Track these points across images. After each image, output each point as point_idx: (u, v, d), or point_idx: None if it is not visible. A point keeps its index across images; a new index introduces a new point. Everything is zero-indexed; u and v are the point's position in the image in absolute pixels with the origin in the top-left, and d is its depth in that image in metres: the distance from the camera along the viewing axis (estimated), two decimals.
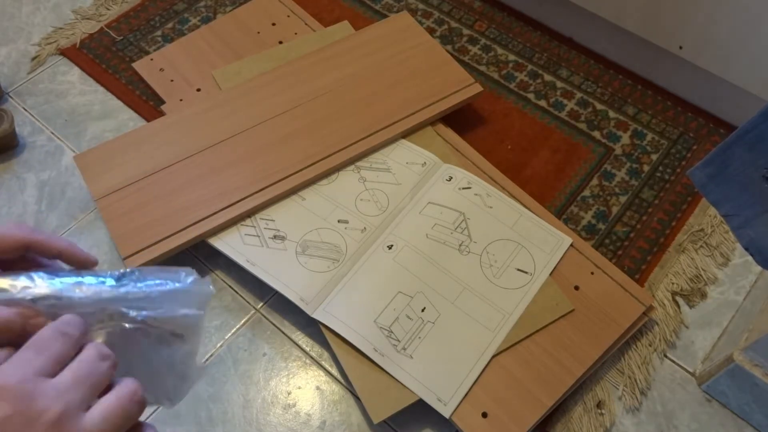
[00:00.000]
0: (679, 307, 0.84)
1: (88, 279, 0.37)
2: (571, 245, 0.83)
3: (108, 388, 0.34)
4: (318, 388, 0.78)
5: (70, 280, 0.37)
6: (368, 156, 0.90)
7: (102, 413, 0.33)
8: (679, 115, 1.01)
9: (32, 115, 1.00)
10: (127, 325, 0.36)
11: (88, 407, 0.33)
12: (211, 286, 0.39)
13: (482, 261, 0.81)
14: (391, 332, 0.76)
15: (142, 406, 0.34)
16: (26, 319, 0.35)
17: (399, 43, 0.99)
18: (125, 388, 0.34)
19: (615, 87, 1.04)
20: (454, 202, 0.86)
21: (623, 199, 0.92)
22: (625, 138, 0.98)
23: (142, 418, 0.35)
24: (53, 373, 0.33)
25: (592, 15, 1.01)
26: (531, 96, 1.02)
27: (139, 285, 0.37)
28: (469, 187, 0.87)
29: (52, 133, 0.98)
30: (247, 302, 0.83)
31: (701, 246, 0.88)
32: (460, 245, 0.82)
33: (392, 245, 0.82)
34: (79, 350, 0.35)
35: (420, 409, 0.72)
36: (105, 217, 0.82)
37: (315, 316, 0.77)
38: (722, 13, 0.86)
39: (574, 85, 1.04)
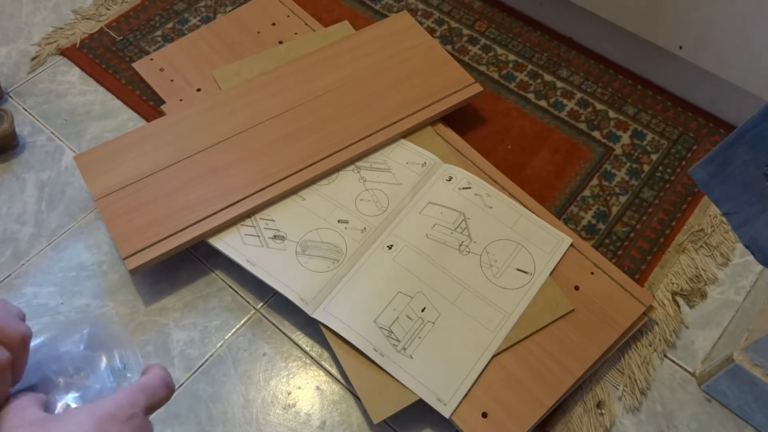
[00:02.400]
0: (679, 307, 0.84)
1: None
2: (571, 245, 0.83)
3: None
4: (318, 388, 0.78)
5: None
6: (368, 156, 0.90)
7: None
8: (679, 115, 1.01)
9: (32, 115, 1.00)
10: None
11: None
12: None
13: (482, 261, 0.81)
14: (391, 332, 0.75)
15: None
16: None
17: (399, 43, 0.99)
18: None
19: (615, 87, 1.04)
20: (454, 202, 0.86)
21: (623, 199, 0.92)
22: (625, 138, 0.98)
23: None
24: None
25: (592, 15, 1.01)
26: (531, 96, 1.02)
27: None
28: (469, 187, 0.87)
29: (52, 133, 0.98)
30: (247, 302, 0.83)
31: (701, 246, 0.88)
32: (460, 245, 0.82)
33: (392, 245, 0.82)
34: None
35: (420, 409, 0.72)
36: (105, 217, 0.82)
37: (315, 316, 0.77)
38: (722, 13, 0.86)
39: (574, 85, 1.04)
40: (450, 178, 0.88)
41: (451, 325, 0.76)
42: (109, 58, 1.06)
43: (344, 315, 0.76)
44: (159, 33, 1.09)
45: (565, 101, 1.02)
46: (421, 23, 1.10)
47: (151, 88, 1.01)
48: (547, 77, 1.05)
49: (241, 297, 0.84)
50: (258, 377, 0.78)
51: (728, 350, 0.73)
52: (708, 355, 0.80)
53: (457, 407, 0.72)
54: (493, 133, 0.98)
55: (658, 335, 0.81)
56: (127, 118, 1.00)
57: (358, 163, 0.89)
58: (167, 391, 0.42)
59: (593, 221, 0.90)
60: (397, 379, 0.73)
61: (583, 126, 0.99)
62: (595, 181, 0.94)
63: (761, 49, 0.86)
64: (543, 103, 1.02)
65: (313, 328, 0.80)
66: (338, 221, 0.84)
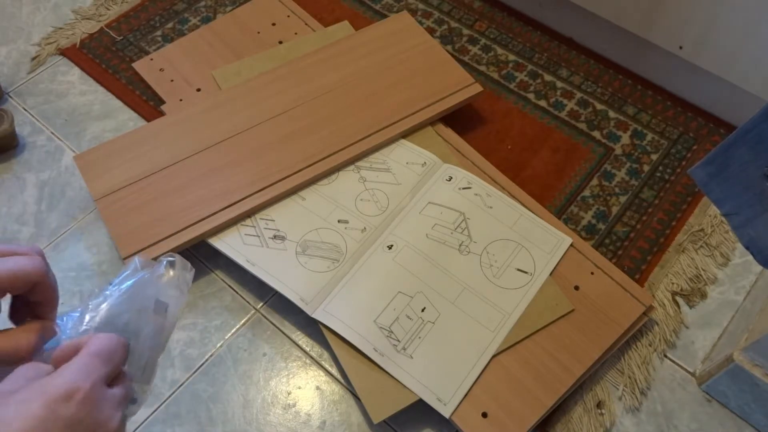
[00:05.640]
0: (679, 307, 0.84)
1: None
2: (571, 245, 0.83)
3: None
4: (318, 388, 0.78)
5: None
6: (368, 156, 0.90)
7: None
8: (679, 115, 1.01)
9: (32, 115, 1.00)
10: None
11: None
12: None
13: (482, 261, 0.81)
14: (391, 332, 0.75)
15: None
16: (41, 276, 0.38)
17: (399, 43, 0.99)
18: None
19: (615, 87, 1.04)
20: (454, 202, 0.86)
21: (623, 199, 0.92)
22: (625, 138, 0.98)
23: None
24: (111, 384, 0.36)
25: (592, 15, 1.01)
26: (531, 96, 1.02)
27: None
28: (469, 187, 0.87)
29: (52, 133, 0.98)
30: (247, 302, 0.83)
31: (701, 246, 0.88)
32: (460, 245, 0.82)
33: (392, 245, 0.82)
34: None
35: (420, 409, 0.72)
36: (105, 217, 0.82)
37: (315, 316, 0.77)
38: (722, 13, 0.86)
39: (574, 85, 1.04)
40: (450, 178, 0.88)
41: (451, 325, 0.76)
42: (109, 58, 1.06)
43: (344, 315, 0.76)
44: (159, 33, 1.09)
45: (565, 101, 1.02)
46: (421, 23, 1.10)
47: (151, 88, 1.01)
48: (547, 77, 1.05)
49: (241, 297, 0.84)
50: (258, 377, 0.78)
51: (728, 350, 0.73)
52: (708, 355, 0.80)
53: (457, 407, 0.72)
54: (493, 133, 0.98)
55: (658, 335, 0.81)
56: (127, 118, 1.00)
57: (358, 163, 0.89)
58: (124, 350, 0.37)
59: (593, 221, 0.90)
60: (397, 379, 0.73)
61: (583, 126, 0.99)
62: (595, 181, 0.94)
63: (761, 49, 0.85)
64: (543, 103, 1.02)
65: (313, 328, 0.80)
66: (338, 221, 0.84)
